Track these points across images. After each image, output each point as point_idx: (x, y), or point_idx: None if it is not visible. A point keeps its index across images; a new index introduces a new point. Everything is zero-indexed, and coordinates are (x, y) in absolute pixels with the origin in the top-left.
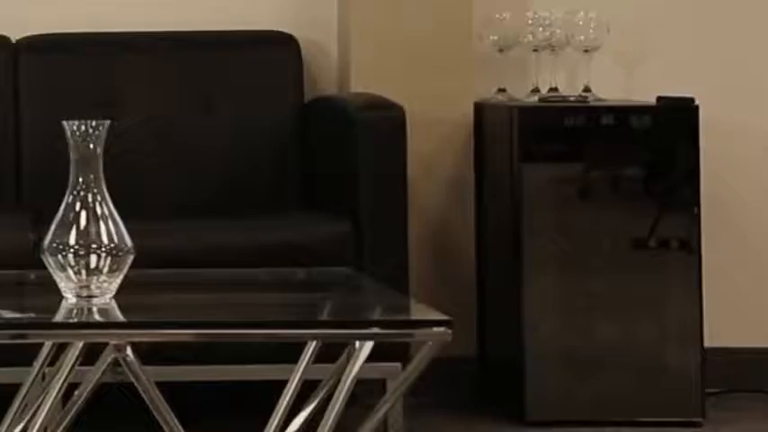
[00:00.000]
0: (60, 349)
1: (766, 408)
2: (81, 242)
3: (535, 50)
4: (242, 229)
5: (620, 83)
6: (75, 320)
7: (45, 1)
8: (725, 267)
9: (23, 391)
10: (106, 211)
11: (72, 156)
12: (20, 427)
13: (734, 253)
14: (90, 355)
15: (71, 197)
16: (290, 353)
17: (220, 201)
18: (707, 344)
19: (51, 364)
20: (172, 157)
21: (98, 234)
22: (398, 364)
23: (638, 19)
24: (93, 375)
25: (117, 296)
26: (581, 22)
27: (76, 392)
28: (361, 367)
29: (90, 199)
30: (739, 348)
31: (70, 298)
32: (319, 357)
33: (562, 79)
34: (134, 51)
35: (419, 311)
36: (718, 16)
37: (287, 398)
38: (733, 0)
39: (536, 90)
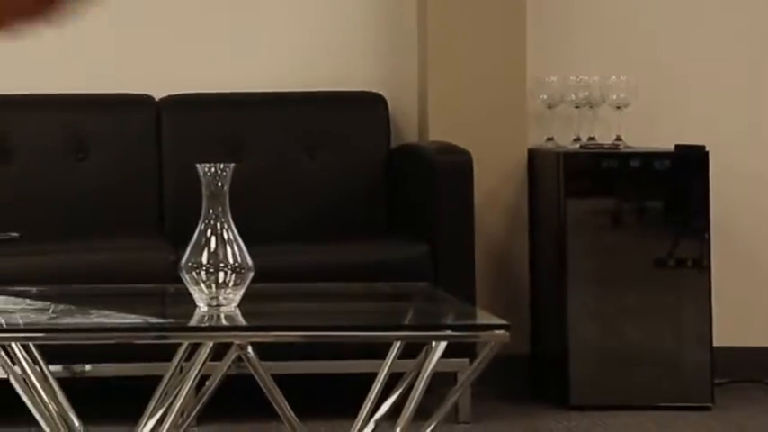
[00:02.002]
0: (194, 348)
1: (765, 395)
2: (211, 261)
3: (577, 107)
4: (340, 251)
5: (645, 133)
6: (207, 325)
7: (181, 66)
8: (730, 282)
9: (164, 381)
10: (231, 237)
11: (204, 192)
12: (162, 410)
13: (737, 270)
14: (218, 352)
15: (203, 225)
16: (379, 351)
17: (323, 228)
18: (715, 343)
19: (187, 359)
20: (284, 192)
21: (225, 255)
22: (467, 360)
23: (660, 81)
24: (221, 369)
25: (240, 305)
26: (614, 85)
27: (207, 383)
28: (437, 363)
29: (218, 227)
30: (742, 347)
31: (202, 307)
32: (402, 354)
33: (599, 130)
34: (254, 107)
35: (483, 317)
36: (726, 81)
37: (377, 387)
38: (738, 68)
39: (578, 139)
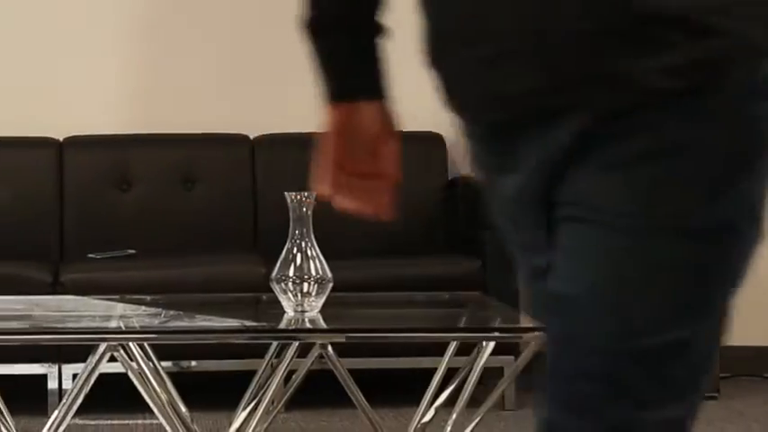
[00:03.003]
0: (283, 347)
1: (763, 387)
2: (297, 274)
3: None
4: (406, 266)
5: None
6: (293, 327)
7: (271, 110)
8: None
9: (258, 375)
10: (314, 253)
11: (291, 215)
12: (255, 400)
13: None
14: (303, 351)
15: (290, 243)
16: (438, 349)
17: (392, 246)
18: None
19: (276, 357)
20: (354, 218)
21: (309, 269)
22: (512, 357)
23: None
24: (305, 365)
25: (321, 311)
26: None
27: (293, 376)
28: (486, 359)
29: (303, 245)
30: (744, 346)
31: (289, 312)
32: (457, 352)
33: None
34: None
35: (526, 321)
36: None
37: (436, 380)
38: None
39: None
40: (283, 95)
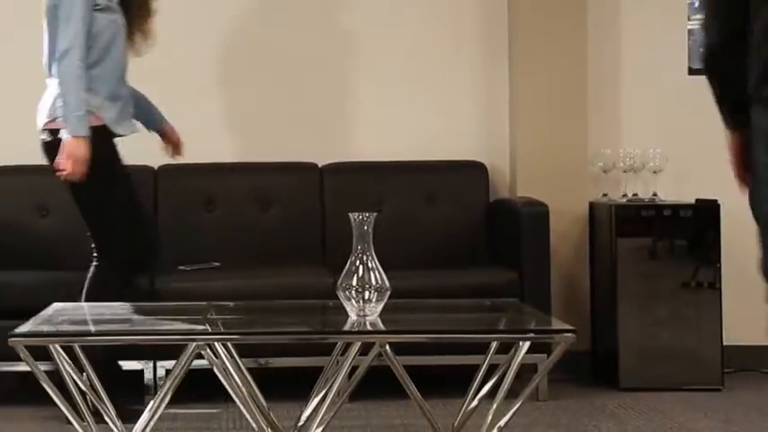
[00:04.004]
0: (347, 346)
1: (764, 381)
2: (359, 283)
3: (624, 171)
4: (453, 276)
5: (674, 190)
6: (356, 329)
7: (337, 141)
8: (735, 298)
9: (325, 371)
10: (374, 265)
11: (354, 233)
12: (323, 392)
13: (741, 290)
14: (364, 350)
15: (353, 257)
16: (481, 348)
17: (440, 259)
18: (725, 343)
19: (341, 355)
20: (413, 233)
21: (369, 279)
22: (544, 355)
23: (684, 152)
24: (366, 362)
25: (380, 315)
26: (650, 155)
27: (356, 372)
28: (522, 357)
29: (365, 258)
30: (745, 345)
31: (353, 316)
32: (498, 351)
33: (640, 189)
34: (391, 171)
35: (556, 324)
36: None
37: (479, 375)
38: None
39: (625, 195)
40: (347, 129)
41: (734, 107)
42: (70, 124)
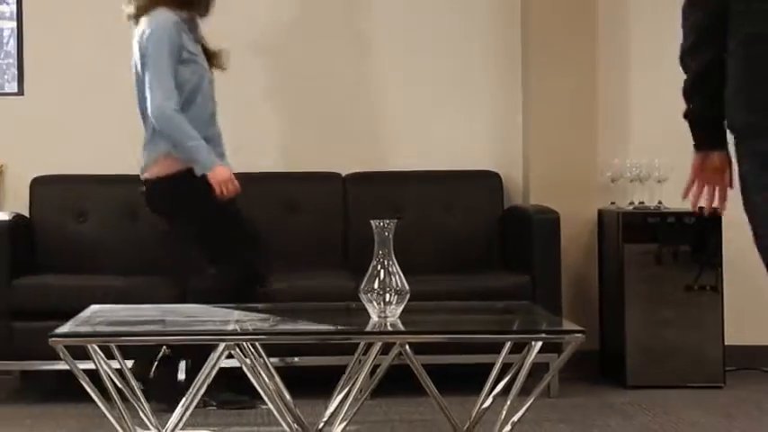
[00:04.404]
0: (369, 346)
1: (763, 379)
2: (380, 287)
3: (631, 181)
4: (468, 280)
5: (678, 199)
6: (377, 330)
7: (359, 152)
8: (736, 300)
9: (348, 369)
10: (394, 270)
11: (376, 239)
12: (347, 388)
13: (741, 292)
14: (385, 349)
15: (375, 261)
16: (495, 348)
17: (457, 264)
18: (726, 342)
19: (363, 354)
20: (431, 239)
21: (390, 282)
22: (555, 354)
23: (688, 163)
24: (387, 360)
25: (400, 317)
26: (656, 165)
27: (377, 370)
28: (534, 356)
29: (385, 263)
30: (745, 345)
31: (374, 318)
32: (511, 350)
33: (646, 197)
34: (411, 180)
35: (567, 325)
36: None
37: (493, 373)
38: None
39: (632, 203)
40: (369, 142)
41: (713, 127)
42: (199, 164)
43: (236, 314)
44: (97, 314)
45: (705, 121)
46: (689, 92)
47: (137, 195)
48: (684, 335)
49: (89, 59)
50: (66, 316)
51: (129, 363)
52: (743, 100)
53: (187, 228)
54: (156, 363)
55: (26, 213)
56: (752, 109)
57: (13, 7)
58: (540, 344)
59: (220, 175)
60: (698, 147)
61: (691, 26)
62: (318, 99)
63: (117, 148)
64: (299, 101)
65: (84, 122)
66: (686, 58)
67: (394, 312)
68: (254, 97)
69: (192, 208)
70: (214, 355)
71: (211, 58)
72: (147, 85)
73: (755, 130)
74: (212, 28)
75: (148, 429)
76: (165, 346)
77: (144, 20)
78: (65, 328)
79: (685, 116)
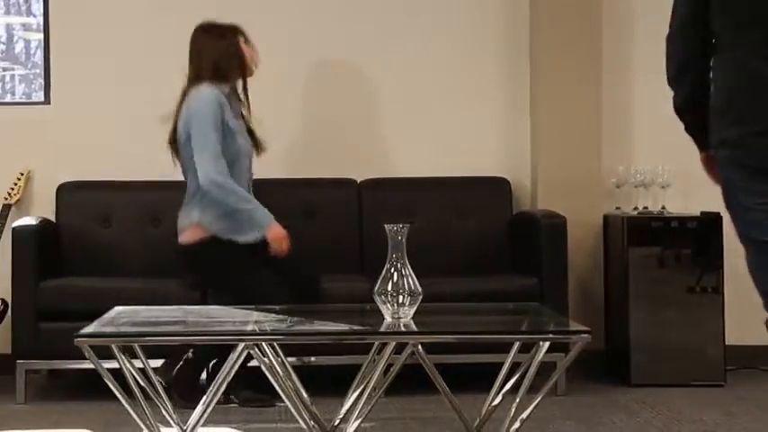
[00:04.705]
0: (383, 346)
1: (763, 378)
2: (394, 289)
3: (636, 187)
4: (478, 282)
5: (681, 204)
6: (391, 330)
7: (373, 159)
8: (736, 302)
9: (363, 368)
10: (407, 272)
11: (390, 242)
12: (362, 386)
13: (741, 294)
14: (398, 349)
15: (388, 264)
16: (504, 347)
17: (467, 266)
18: (727, 342)
19: (378, 353)
20: (442, 243)
21: (403, 284)
22: (563, 354)
23: (691, 169)
24: (400, 359)
25: (413, 317)
26: (660, 172)
27: (391, 368)
28: (542, 355)
29: (399, 265)
30: (746, 345)
31: (388, 319)
32: (520, 350)
33: (650, 202)
34: (424, 186)
35: (573, 325)
36: None
37: (503, 371)
38: None
39: (636, 208)
40: (383, 149)
41: (703, 135)
42: (257, 223)
43: (255, 315)
44: (121, 315)
45: (700, 131)
46: (681, 112)
47: (158, 201)
48: (686, 335)
49: (113, 70)
50: (91, 317)
51: (152, 362)
52: (732, 116)
53: (221, 289)
54: (180, 362)
55: (52, 218)
56: (740, 123)
57: (40, 19)
58: (547, 344)
59: (277, 233)
60: (701, 149)
61: (673, 58)
62: (335, 109)
63: (140, 156)
64: (317, 111)
65: (108, 131)
66: (672, 84)
67: (407, 313)
68: (274, 107)
69: (222, 273)
70: (233, 355)
71: (252, 134)
72: (195, 158)
73: (743, 143)
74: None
75: (170, 426)
76: (191, 348)
77: (191, 93)
78: (90, 328)
79: (685, 129)
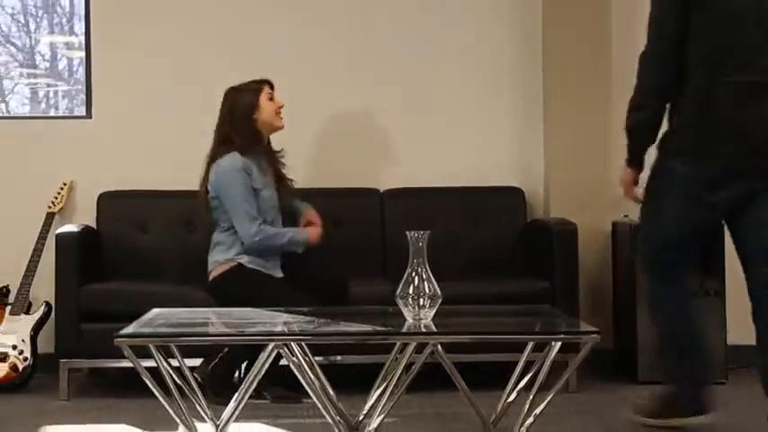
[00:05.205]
0: (404, 346)
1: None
2: (415, 292)
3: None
4: (494, 286)
5: None
6: (412, 331)
7: (395, 169)
8: (737, 305)
9: (386, 366)
10: (427, 276)
11: (410, 248)
12: (384, 384)
13: (742, 297)
14: (419, 348)
15: (410, 269)
16: (519, 347)
17: (483, 271)
18: (729, 342)
19: (399, 353)
20: (459, 249)
21: (423, 288)
22: (574, 353)
23: None
24: (420, 358)
25: (433, 319)
26: None
27: (412, 367)
28: (555, 355)
29: (419, 270)
30: (745, 345)
31: (409, 320)
32: (533, 349)
33: None
34: (442, 195)
35: (584, 326)
36: None
37: (517, 370)
38: None
39: None
40: (404, 160)
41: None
42: (299, 245)
43: (285, 317)
44: (158, 317)
45: (645, 150)
46: (639, 132)
47: (192, 208)
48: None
49: (150, 86)
50: (130, 318)
51: (188, 361)
52: (693, 132)
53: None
54: (214, 361)
55: (93, 225)
56: (703, 140)
57: (82, 38)
58: (559, 344)
59: (315, 236)
60: (635, 167)
61: (649, 80)
62: (359, 122)
63: (176, 166)
64: (342, 124)
65: (147, 142)
66: (640, 104)
67: (427, 315)
68: (302, 121)
69: (245, 296)
70: (264, 354)
71: (281, 179)
72: (233, 222)
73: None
74: (261, 56)
75: (204, 422)
76: (226, 348)
77: (217, 161)
78: (129, 329)
79: (634, 146)
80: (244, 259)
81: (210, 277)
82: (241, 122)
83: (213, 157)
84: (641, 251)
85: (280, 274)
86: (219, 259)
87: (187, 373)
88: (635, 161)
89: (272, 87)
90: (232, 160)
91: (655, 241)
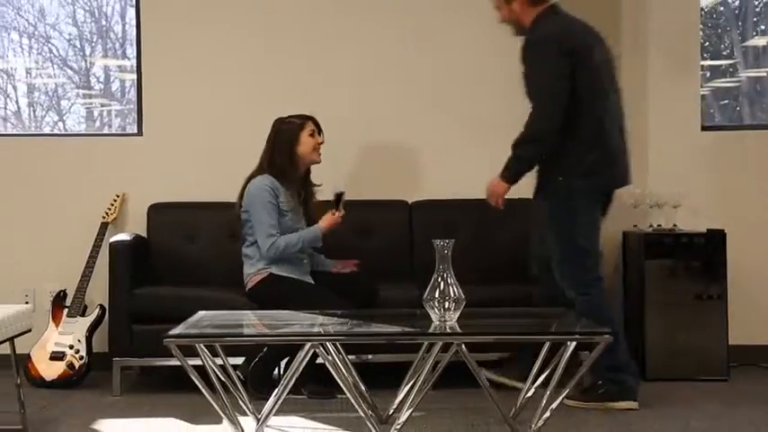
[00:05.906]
0: (431, 345)
1: (762, 374)
2: (441, 296)
3: (651, 207)
4: (514, 290)
5: (690, 222)
6: (438, 332)
7: (422, 182)
8: (738, 307)
9: (414, 364)
10: (452, 281)
11: (437, 255)
12: (412, 381)
13: (742, 300)
14: (444, 348)
15: (436, 274)
16: (536, 347)
17: (503, 276)
18: (730, 342)
19: (426, 352)
20: (482, 256)
21: (449, 292)
22: (588, 352)
23: (698, 191)
24: (446, 357)
25: (458, 321)
26: (670, 194)
27: (438, 365)
28: (570, 353)
29: (445, 275)
30: (747, 345)
31: (435, 322)
32: (550, 349)
33: (663, 221)
34: (464, 207)
35: (597, 328)
36: (735, 189)
37: (535, 367)
38: (745, 179)
39: (651, 225)
40: (431, 174)
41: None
42: (318, 240)
43: (320, 319)
44: (204, 319)
45: (524, 169)
46: (532, 160)
47: (236, 219)
48: (695, 336)
49: (197, 105)
50: (178, 320)
51: (231, 360)
52: (591, 160)
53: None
54: (255, 360)
55: (144, 235)
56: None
57: (134, 62)
58: (574, 343)
59: (330, 224)
60: (511, 182)
61: (551, 122)
62: (389, 137)
63: (221, 179)
64: (375, 142)
65: (193, 158)
66: (541, 138)
67: (452, 317)
68: (335, 136)
69: (281, 301)
70: (301, 353)
71: (309, 199)
72: (255, 234)
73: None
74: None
75: (247, 416)
76: (266, 347)
77: (252, 181)
78: (177, 330)
79: (518, 167)
80: (273, 269)
81: (247, 288)
82: (281, 151)
83: (250, 178)
84: (583, 267)
85: (310, 280)
86: (251, 272)
87: (231, 370)
88: (515, 181)
89: (315, 124)
90: (262, 180)
91: (596, 255)
